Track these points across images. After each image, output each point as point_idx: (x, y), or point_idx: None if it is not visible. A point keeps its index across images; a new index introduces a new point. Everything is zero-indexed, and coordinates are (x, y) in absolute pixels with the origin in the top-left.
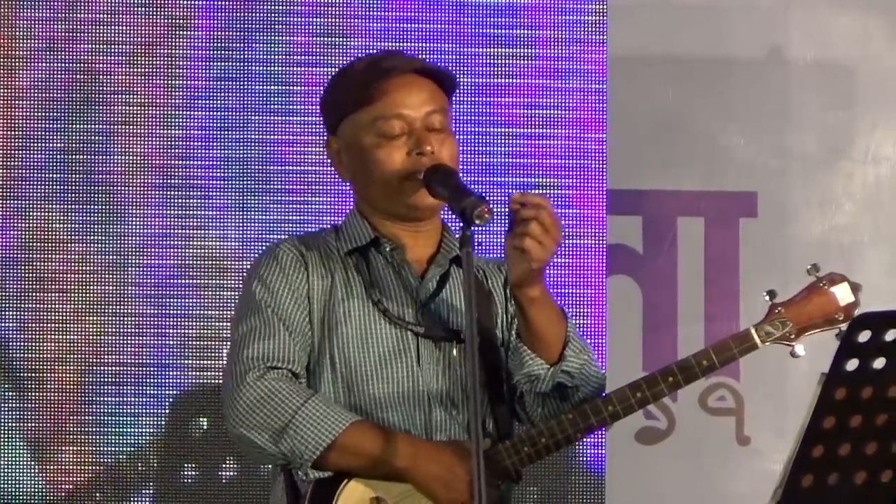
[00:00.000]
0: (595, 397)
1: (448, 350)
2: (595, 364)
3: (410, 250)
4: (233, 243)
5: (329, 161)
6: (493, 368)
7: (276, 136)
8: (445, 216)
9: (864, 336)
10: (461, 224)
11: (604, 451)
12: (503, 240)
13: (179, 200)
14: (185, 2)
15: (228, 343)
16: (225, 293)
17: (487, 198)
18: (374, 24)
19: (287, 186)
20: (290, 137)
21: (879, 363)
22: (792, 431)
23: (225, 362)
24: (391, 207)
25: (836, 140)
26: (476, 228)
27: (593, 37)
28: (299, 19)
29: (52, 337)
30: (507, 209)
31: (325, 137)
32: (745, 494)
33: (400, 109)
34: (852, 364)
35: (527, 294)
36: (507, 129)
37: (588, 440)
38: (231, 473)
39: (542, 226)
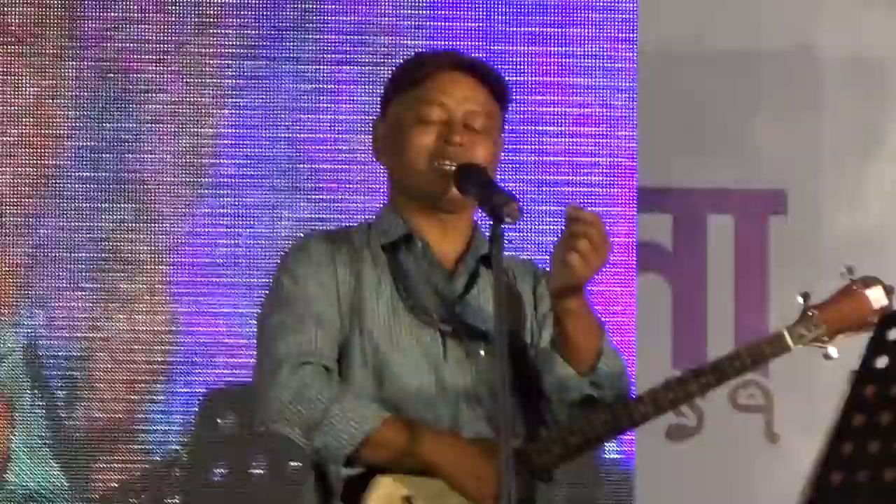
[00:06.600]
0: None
1: (476, 350)
2: (625, 376)
3: (440, 245)
4: (263, 241)
5: (362, 155)
6: (521, 370)
7: (305, 135)
8: (478, 215)
9: (894, 333)
10: (491, 223)
11: (633, 448)
12: (552, 247)
13: (210, 199)
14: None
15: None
16: (255, 292)
17: (518, 196)
18: (403, 23)
19: (317, 185)
20: (320, 136)
21: None
22: (821, 429)
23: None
24: (419, 193)
25: (866, 137)
26: (506, 226)
27: (623, 33)
28: (329, 17)
29: (84, 335)
30: (537, 208)
31: (359, 130)
32: (774, 492)
33: (442, 98)
34: (882, 361)
35: (564, 305)
36: (536, 127)
37: None
38: (260, 472)
39: (590, 243)
